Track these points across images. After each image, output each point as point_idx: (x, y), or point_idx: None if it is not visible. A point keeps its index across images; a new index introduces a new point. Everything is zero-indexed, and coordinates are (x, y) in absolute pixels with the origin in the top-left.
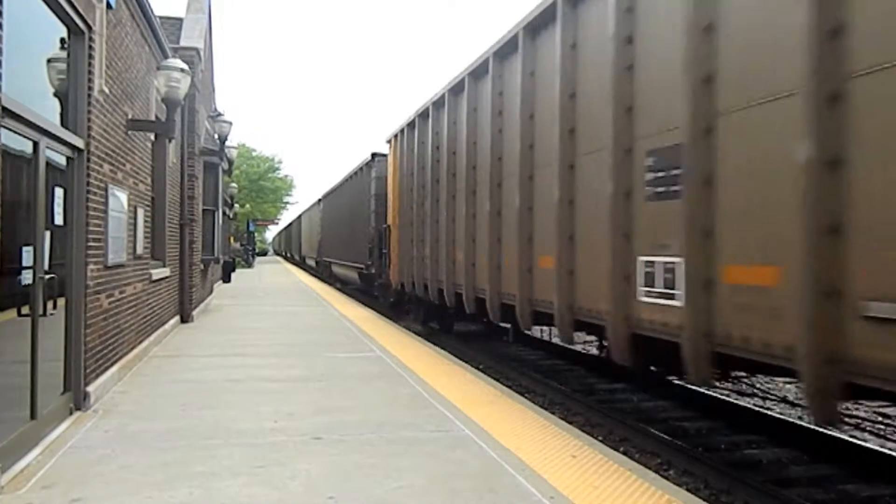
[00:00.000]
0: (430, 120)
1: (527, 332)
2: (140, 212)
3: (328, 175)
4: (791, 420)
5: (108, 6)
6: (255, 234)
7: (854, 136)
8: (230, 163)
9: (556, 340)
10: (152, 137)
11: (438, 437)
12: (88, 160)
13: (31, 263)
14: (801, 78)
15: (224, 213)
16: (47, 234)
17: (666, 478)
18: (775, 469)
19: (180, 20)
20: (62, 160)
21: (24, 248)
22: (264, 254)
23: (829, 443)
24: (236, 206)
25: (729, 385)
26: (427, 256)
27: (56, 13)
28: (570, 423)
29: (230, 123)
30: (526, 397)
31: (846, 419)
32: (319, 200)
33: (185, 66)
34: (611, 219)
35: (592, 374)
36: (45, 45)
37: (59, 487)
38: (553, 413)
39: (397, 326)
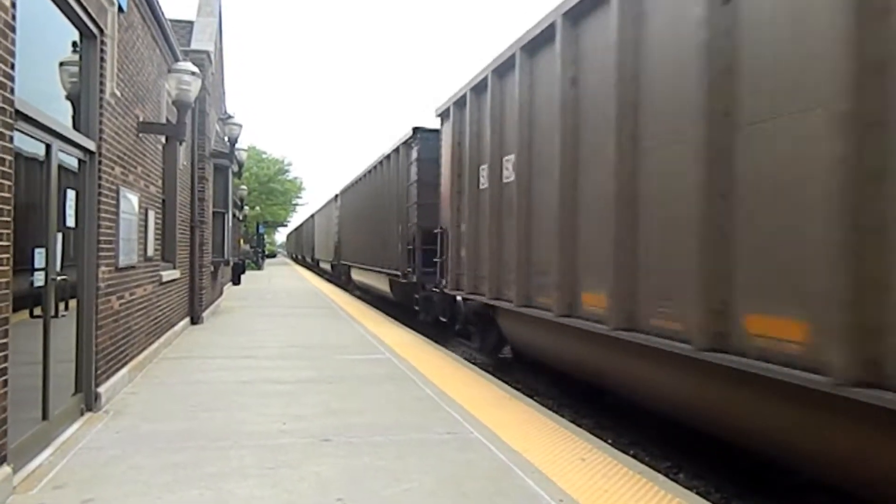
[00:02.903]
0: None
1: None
2: (151, 214)
3: (338, 177)
4: None
5: (120, 9)
6: (265, 237)
7: None
8: (240, 165)
9: None
10: (163, 140)
11: (447, 439)
12: (100, 163)
13: (43, 265)
14: None
15: (234, 216)
16: (59, 235)
17: (676, 482)
18: (788, 474)
19: (191, 23)
20: (74, 163)
21: (37, 250)
22: (273, 256)
23: None
24: (246, 208)
25: None
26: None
27: (68, 16)
28: (580, 426)
29: (240, 126)
30: (535, 400)
31: None
32: (337, 196)
33: (196, 69)
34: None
35: None
36: (57, 49)
37: (71, 488)
38: (562, 416)
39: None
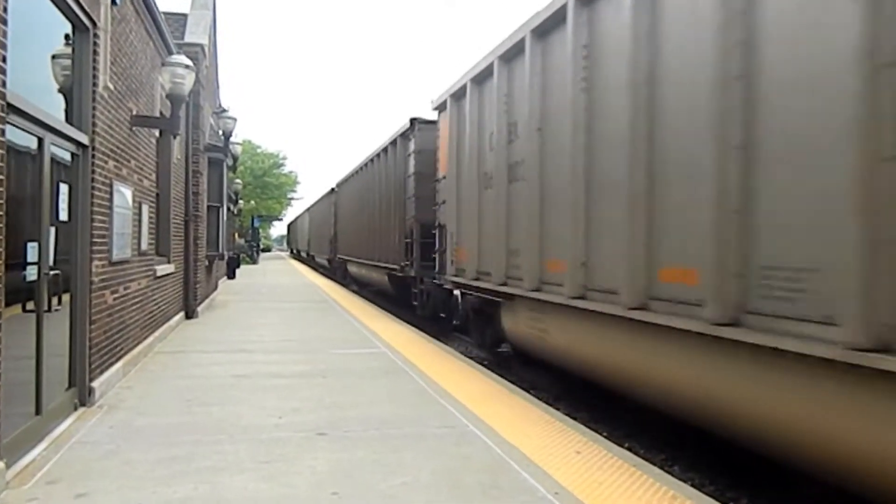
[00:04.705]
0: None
1: None
2: (145, 208)
3: (333, 170)
4: None
5: (113, 2)
6: (260, 231)
7: None
8: (234, 159)
9: None
10: (157, 134)
11: (443, 432)
12: (93, 156)
13: (35, 259)
14: None
15: (228, 210)
16: (52, 230)
17: (671, 474)
18: (781, 467)
19: (185, 16)
20: (67, 156)
21: (29, 244)
22: (268, 250)
23: None
24: (241, 202)
25: None
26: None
27: (60, 9)
28: (575, 419)
29: (234, 119)
30: (531, 393)
31: None
32: (333, 190)
33: (190, 63)
34: None
35: None
36: (49, 42)
37: (64, 482)
38: (558, 409)
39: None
